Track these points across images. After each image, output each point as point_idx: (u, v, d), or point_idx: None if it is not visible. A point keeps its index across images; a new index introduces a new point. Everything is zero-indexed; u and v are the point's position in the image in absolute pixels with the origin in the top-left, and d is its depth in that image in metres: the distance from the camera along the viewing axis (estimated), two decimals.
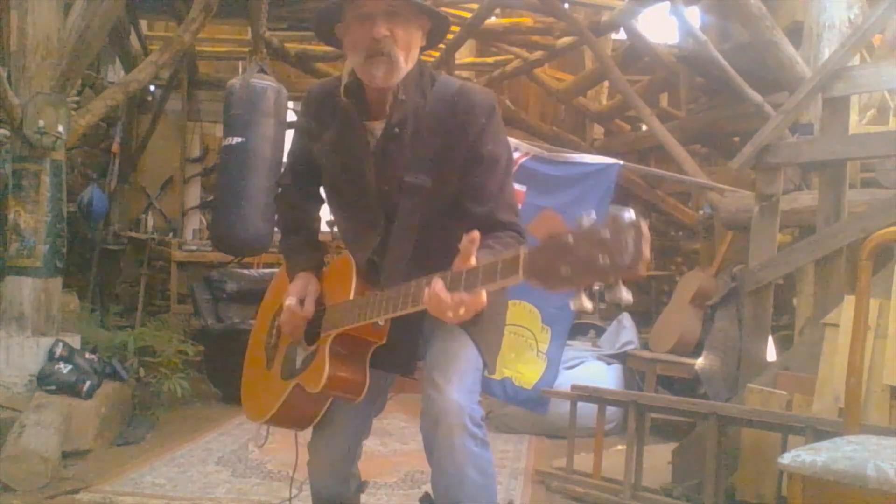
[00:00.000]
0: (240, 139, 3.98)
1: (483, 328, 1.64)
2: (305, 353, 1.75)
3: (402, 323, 1.62)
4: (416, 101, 1.64)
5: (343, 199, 1.78)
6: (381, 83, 1.59)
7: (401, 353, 1.72)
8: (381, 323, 1.60)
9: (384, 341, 1.67)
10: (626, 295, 1.16)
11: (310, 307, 1.75)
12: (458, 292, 1.35)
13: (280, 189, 1.96)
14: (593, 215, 1.16)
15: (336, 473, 1.87)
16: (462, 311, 1.36)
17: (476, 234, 1.37)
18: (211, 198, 6.87)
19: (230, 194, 3.99)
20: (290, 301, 1.75)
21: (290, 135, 4.22)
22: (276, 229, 4.52)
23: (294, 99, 6.51)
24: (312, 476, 1.89)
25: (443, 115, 1.63)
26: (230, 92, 4.06)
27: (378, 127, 1.68)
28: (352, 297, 1.64)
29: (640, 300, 6.64)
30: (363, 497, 2.01)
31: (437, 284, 1.37)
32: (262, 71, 4.10)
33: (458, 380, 1.61)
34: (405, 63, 1.59)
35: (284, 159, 3.61)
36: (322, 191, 1.90)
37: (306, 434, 1.91)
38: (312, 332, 1.77)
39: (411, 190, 1.62)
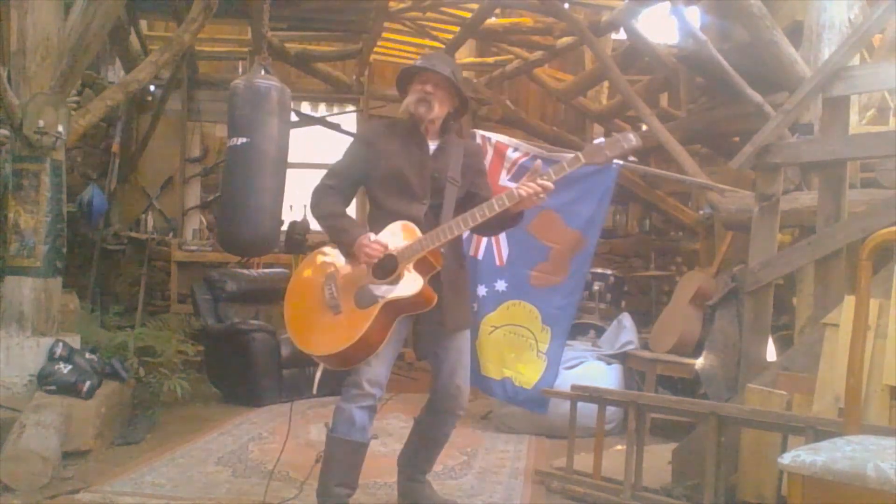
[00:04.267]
0: (245, 139, 3.96)
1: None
2: (381, 286, 2.54)
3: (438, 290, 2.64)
4: (452, 136, 2.85)
5: (401, 183, 2.71)
6: (423, 116, 2.74)
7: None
8: (443, 249, 2.61)
9: (441, 266, 2.61)
10: (634, 138, 2.57)
11: (384, 239, 2.59)
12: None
13: (323, 186, 2.75)
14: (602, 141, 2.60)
15: (380, 381, 2.67)
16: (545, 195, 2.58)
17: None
18: (211, 198, 6.87)
19: (236, 195, 3.98)
20: (370, 236, 2.58)
21: (293, 134, 4.28)
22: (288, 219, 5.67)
23: (296, 99, 6.50)
24: (367, 376, 2.63)
25: (461, 149, 2.83)
26: (234, 92, 4.04)
27: (429, 143, 2.80)
28: (421, 237, 2.58)
29: (640, 300, 6.64)
30: (363, 496, 2.02)
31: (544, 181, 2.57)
32: (265, 71, 4.08)
33: (467, 375, 2.81)
34: (438, 110, 2.75)
35: (289, 158, 3.82)
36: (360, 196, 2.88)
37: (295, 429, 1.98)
38: (381, 274, 2.56)
39: (452, 181, 2.73)
